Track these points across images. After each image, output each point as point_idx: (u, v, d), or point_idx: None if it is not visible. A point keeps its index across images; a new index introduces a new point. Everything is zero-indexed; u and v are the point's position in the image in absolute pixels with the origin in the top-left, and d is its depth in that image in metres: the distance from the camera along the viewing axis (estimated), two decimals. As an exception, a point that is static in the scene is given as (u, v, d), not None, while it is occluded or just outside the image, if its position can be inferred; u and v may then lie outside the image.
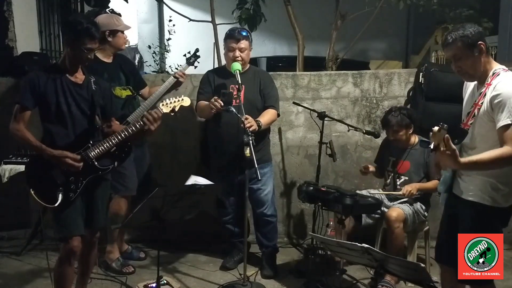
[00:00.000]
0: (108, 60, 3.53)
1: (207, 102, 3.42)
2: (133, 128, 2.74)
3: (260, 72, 3.80)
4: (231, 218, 3.71)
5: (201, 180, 3.03)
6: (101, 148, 2.71)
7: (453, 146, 2.13)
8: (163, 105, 2.91)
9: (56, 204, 2.60)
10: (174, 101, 2.94)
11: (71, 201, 2.66)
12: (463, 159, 2.20)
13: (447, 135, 2.10)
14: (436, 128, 2.10)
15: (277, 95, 3.68)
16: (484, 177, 2.29)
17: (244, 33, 3.49)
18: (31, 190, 2.63)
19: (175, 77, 3.57)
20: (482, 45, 2.26)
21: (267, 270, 3.60)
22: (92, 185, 2.76)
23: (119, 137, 2.74)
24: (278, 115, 3.63)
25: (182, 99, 2.97)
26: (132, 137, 2.78)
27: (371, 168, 3.69)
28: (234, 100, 3.28)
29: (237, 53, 3.44)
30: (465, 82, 2.49)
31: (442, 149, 2.11)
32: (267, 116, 3.48)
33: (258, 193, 3.56)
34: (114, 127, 2.85)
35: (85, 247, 2.84)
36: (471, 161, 2.21)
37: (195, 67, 3.86)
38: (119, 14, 3.98)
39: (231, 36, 3.48)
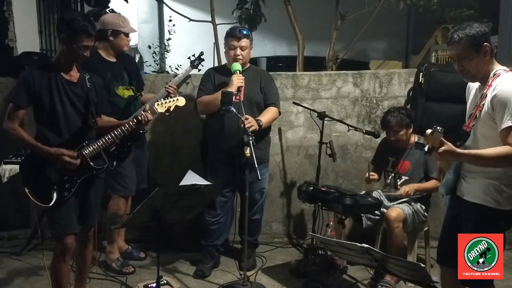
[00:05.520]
0: (112, 59, 3.52)
1: (212, 96, 3.41)
2: (124, 128, 2.76)
3: (261, 70, 3.84)
4: (216, 221, 3.62)
5: (200, 180, 3.03)
6: (95, 147, 2.71)
7: (447, 143, 2.16)
8: (158, 104, 2.95)
9: (50, 204, 2.60)
10: (169, 101, 2.98)
11: (65, 200, 2.66)
12: (461, 150, 2.21)
13: (441, 139, 2.12)
14: (429, 131, 2.12)
15: (278, 93, 3.69)
16: (488, 179, 2.28)
17: (245, 32, 3.50)
18: (25, 189, 2.63)
19: (167, 91, 3.59)
20: (487, 47, 2.24)
21: (246, 262, 3.44)
22: (86, 184, 2.76)
23: (113, 136, 2.75)
24: (279, 113, 3.64)
25: (177, 99, 3.01)
26: (125, 137, 2.79)
27: (376, 176, 3.58)
28: (234, 97, 3.26)
29: (238, 51, 3.44)
30: (468, 84, 2.47)
31: (438, 149, 2.13)
32: (268, 114, 3.48)
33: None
34: (100, 123, 2.82)
35: (80, 244, 2.85)
36: (470, 153, 2.23)
37: (199, 70, 3.87)
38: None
39: (232, 35, 3.48)
